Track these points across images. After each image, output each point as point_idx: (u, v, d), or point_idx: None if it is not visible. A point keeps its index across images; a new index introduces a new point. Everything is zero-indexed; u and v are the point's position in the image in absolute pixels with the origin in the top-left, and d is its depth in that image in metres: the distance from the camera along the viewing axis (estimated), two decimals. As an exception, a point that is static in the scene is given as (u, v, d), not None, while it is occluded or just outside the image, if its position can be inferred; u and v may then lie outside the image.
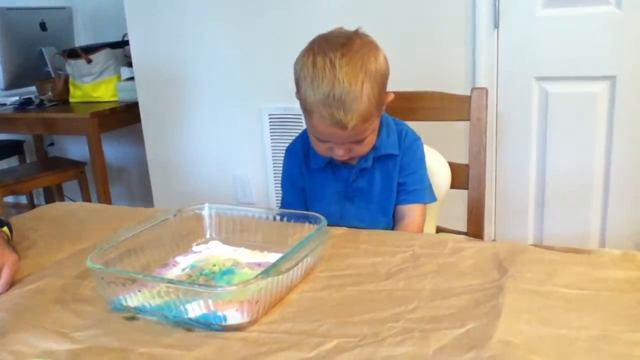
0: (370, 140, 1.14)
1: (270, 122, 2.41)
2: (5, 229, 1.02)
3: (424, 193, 1.21)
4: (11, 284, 0.90)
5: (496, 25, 1.98)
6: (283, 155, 1.31)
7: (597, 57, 1.89)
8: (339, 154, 1.12)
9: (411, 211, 1.20)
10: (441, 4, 2.04)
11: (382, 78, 1.10)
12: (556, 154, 2.02)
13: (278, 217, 0.99)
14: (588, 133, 1.96)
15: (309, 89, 1.06)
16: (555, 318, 0.71)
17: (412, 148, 1.21)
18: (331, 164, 1.21)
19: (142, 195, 3.29)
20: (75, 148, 3.43)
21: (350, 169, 1.20)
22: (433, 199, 1.22)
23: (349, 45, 1.06)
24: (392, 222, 1.22)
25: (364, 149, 1.14)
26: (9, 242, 1.01)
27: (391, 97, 1.15)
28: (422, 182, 1.22)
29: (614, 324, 0.69)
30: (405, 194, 1.21)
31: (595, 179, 1.99)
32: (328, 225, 0.92)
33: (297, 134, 1.30)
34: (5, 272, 0.89)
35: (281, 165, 1.31)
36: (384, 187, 1.21)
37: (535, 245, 0.94)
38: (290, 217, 0.98)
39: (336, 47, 1.05)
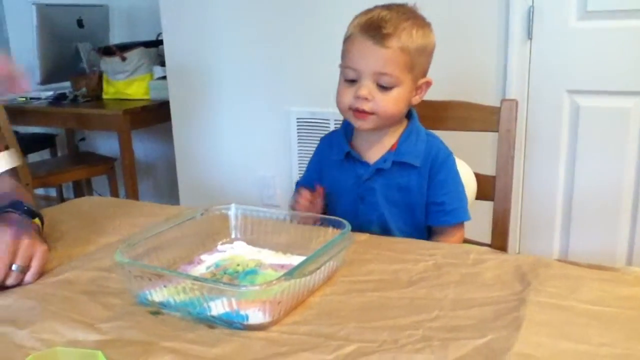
0: (397, 97, 1.09)
1: (297, 125, 2.43)
2: (37, 220, 1.05)
3: (463, 212, 1.18)
4: (41, 274, 0.92)
5: (529, 37, 1.97)
6: (309, 158, 1.32)
7: (630, 71, 1.87)
8: (363, 92, 1.08)
9: (451, 232, 1.18)
10: (474, 13, 2.04)
11: (429, 40, 1.12)
12: (585, 169, 2.00)
13: (302, 221, 0.99)
14: (619, 149, 1.94)
15: (355, 18, 1.11)
16: (577, 333, 0.71)
17: (446, 165, 1.17)
18: (348, 158, 1.18)
19: (169, 191, 3.33)
20: (106, 143, 3.49)
21: (367, 167, 1.16)
22: (469, 216, 1.19)
23: (406, 6, 1.13)
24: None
25: (387, 103, 1.09)
26: (40, 233, 1.04)
27: (429, 81, 1.15)
28: (461, 200, 1.18)
29: (637, 343, 0.69)
30: (445, 214, 1.16)
31: (624, 196, 1.96)
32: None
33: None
34: (36, 262, 0.92)
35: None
36: (402, 200, 1.16)
37: (559, 261, 0.93)
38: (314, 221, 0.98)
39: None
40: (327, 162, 1.23)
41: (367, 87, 1.08)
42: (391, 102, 1.10)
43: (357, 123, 1.13)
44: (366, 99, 1.08)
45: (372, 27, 1.07)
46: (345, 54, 1.12)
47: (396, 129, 1.18)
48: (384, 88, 1.09)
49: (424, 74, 1.15)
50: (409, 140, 1.17)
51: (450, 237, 1.18)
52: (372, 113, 1.10)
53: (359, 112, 1.10)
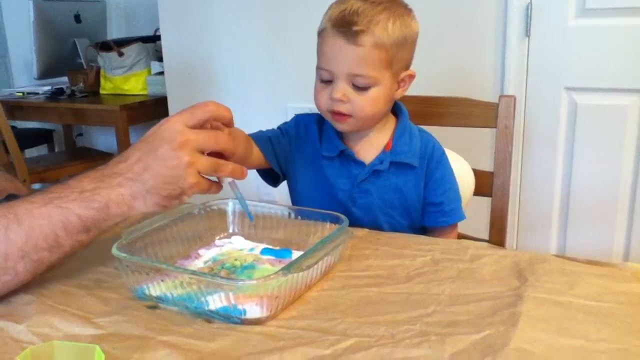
0: (375, 97, 1.03)
1: (296, 121, 2.42)
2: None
3: (460, 211, 1.16)
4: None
5: (527, 34, 1.97)
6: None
7: (628, 69, 1.87)
8: (337, 95, 1.01)
9: (448, 232, 1.16)
10: (472, 11, 2.04)
11: (409, 31, 1.03)
12: (583, 166, 2.00)
13: (300, 216, 0.99)
14: (616, 146, 1.94)
15: (329, 10, 1.03)
16: (574, 329, 0.71)
17: (441, 163, 1.13)
18: (341, 156, 1.12)
19: (166, 188, 3.32)
20: (103, 139, 3.48)
21: (362, 167, 1.10)
22: (465, 215, 1.17)
23: None
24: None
25: (364, 104, 1.03)
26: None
27: (412, 74, 1.08)
28: (457, 200, 1.16)
29: (634, 338, 0.69)
30: (443, 214, 1.14)
31: (621, 193, 1.96)
32: None
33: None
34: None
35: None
36: (398, 201, 1.13)
37: (556, 256, 0.93)
38: (311, 216, 0.98)
39: None
40: (312, 153, 1.16)
41: (341, 90, 1.02)
42: (368, 103, 1.03)
43: (336, 125, 1.09)
44: (341, 100, 1.03)
45: (344, 23, 0.99)
46: (318, 52, 1.06)
47: (385, 126, 1.13)
48: (360, 88, 1.02)
49: (407, 67, 1.07)
50: (403, 139, 1.12)
51: (446, 236, 1.16)
52: (349, 115, 1.04)
53: (337, 114, 1.05)
